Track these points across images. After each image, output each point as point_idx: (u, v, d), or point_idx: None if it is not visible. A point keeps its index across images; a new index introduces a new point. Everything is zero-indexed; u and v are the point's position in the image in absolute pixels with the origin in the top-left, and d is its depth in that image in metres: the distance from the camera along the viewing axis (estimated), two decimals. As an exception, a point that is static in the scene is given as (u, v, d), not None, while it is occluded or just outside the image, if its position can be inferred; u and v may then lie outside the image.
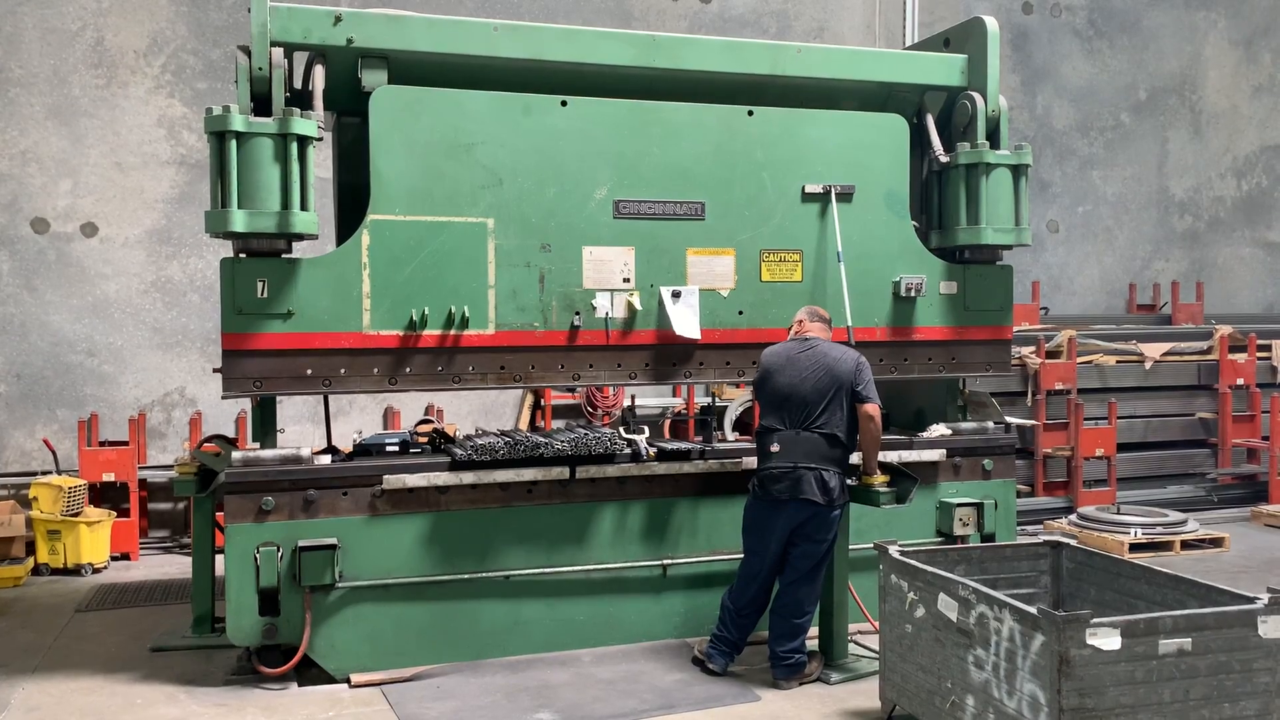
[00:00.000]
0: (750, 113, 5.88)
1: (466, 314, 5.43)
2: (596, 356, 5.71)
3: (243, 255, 5.24)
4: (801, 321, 5.46)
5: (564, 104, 5.60)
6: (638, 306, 5.71)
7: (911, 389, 6.56)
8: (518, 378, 5.61)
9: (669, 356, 5.82)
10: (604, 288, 5.68)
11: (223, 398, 5.29)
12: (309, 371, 5.26)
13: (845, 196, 6.02)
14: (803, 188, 5.97)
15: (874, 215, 6.08)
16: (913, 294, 6.08)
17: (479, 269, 5.49)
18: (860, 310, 5.98)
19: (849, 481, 5.28)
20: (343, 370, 5.31)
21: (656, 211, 5.75)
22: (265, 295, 5.16)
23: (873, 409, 5.14)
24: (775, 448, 5.18)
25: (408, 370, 5.41)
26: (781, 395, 5.22)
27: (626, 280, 5.72)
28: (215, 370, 5.39)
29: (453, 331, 5.44)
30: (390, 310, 5.35)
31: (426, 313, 5.38)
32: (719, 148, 5.83)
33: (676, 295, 5.73)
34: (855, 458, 5.32)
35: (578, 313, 5.63)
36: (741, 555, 5.41)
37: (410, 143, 5.37)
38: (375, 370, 5.37)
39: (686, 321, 5.71)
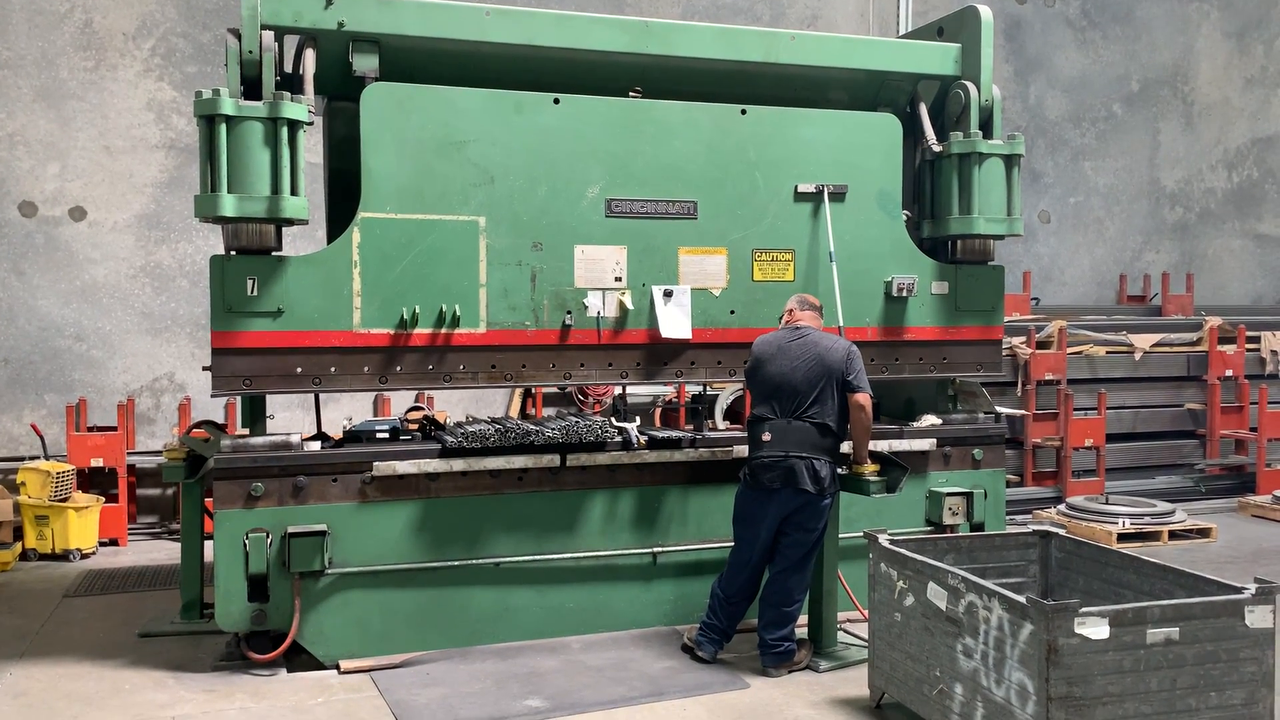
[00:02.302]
0: (743, 111, 5.86)
1: (458, 312, 5.41)
2: (588, 355, 5.69)
3: (233, 252, 5.20)
4: (792, 310, 5.46)
5: (556, 102, 5.56)
6: (629, 306, 5.69)
7: (903, 380, 6.56)
8: (509, 376, 5.58)
9: (660, 356, 5.81)
10: (596, 287, 5.66)
11: (212, 396, 5.26)
12: (299, 370, 5.24)
13: (838, 196, 6.00)
14: (795, 187, 5.95)
15: (866, 215, 6.07)
16: (904, 294, 6.08)
17: (470, 267, 5.46)
18: (852, 310, 5.97)
19: (839, 470, 5.29)
20: (333, 369, 5.29)
21: (649, 210, 5.73)
22: (255, 293, 5.13)
23: (863, 398, 5.14)
24: (767, 436, 5.18)
25: (398, 369, 5.39)
26: (773, 384, 5.22)
27: (618, 279, 5.70)
28: (205, 369, 5.37)
29: (444, 330, 5.42)
30: (381, 308, 5.32)
31: (417, 311, 5.35)
32: (711, 147, 5.81)
33: (668, 294, 5.72)
34: (846, 446, 5.33)
35: (569, 312, 5.61)
36: (731, 543, 5.42)
37: (401, 140, 5.33)
38: (366, 369, 5.34)
39: (675, 322, 5.70)
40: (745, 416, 5.55)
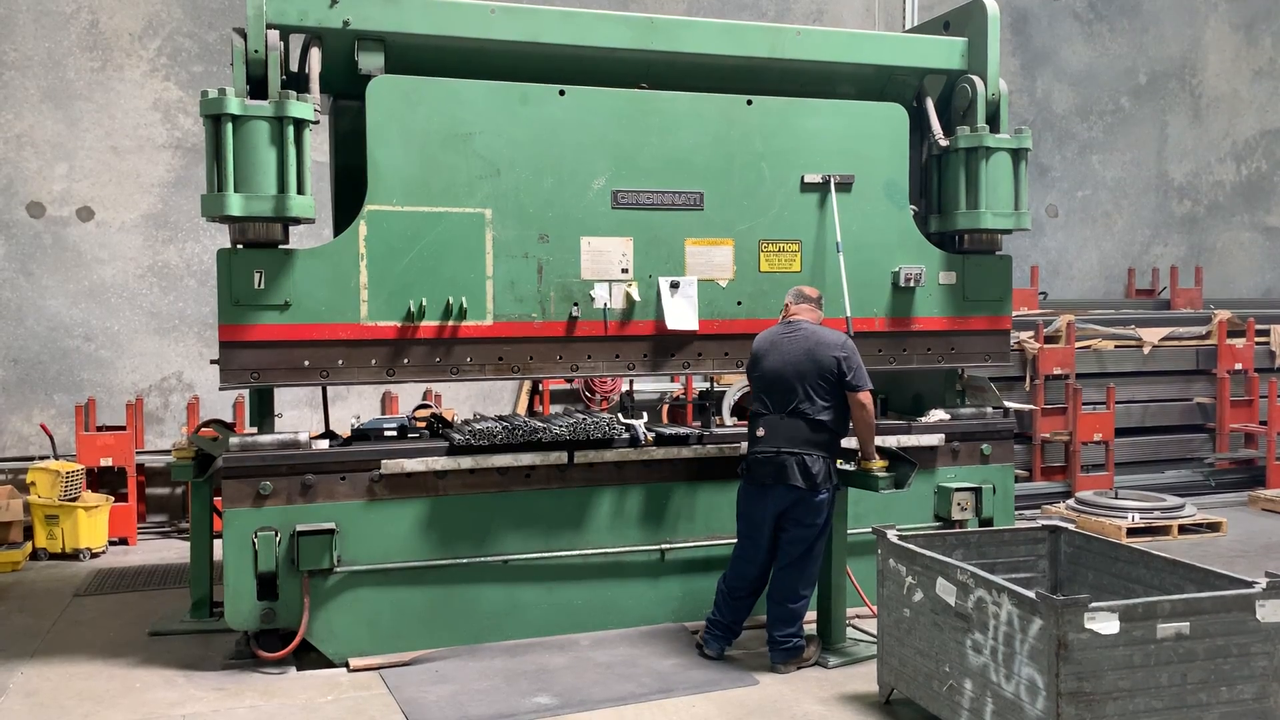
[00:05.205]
0: (749, 102, 5.85)
1: (464, 305, 5.41)
2: (595, 347, 5.69)
3: (240, 246, 5.21)
4: (788, 305, 5.45)
5: (562, 93, 5.56)
6: (636, 297, 5.69)
7: (910, 374, 6.55)
8: (516, 369, 5.59)
9: (667, 347, 5.80)
10: (602, 278, 5.66)
11: (220, 389, 5.27)
12: (306, 363, 5.25)
13: (844, 186, 6.00)
14: (802, 178, 5.94)
15: (873, 205, 6.06)
16: (912, 284, 6.06)
17: (477, 260, 5.47)
18: (859, 300, 5.97)
19: (848, 467, 5.28)
20: (340, 361, 5.30)
21: (655, 202, 5.73)
22: (262, 286, 5.14)
23: (864, 396, 5.12)
24: (761, 432, 5.19)
25: (405, 361, 5.40)
26: (767, 380, 5.23)
27: (625, 271, 5.70)
28: (213, 362, 5.38)
29: (451, 322, 5.43)
30: (388, 301, 5.33)
31: (424, 304, 5.36)
32: (718, 137, 5.80)
33: (675, 286, 5.72)
34: (851, 442, 5.31)
35: (576, 303, 5.61)
36: (739, 540, 5.41)
37: (407, 133, 5.34)
38: (373, 361, 5.35)
39: (682, 314, 5.70)
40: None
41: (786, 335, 5.25)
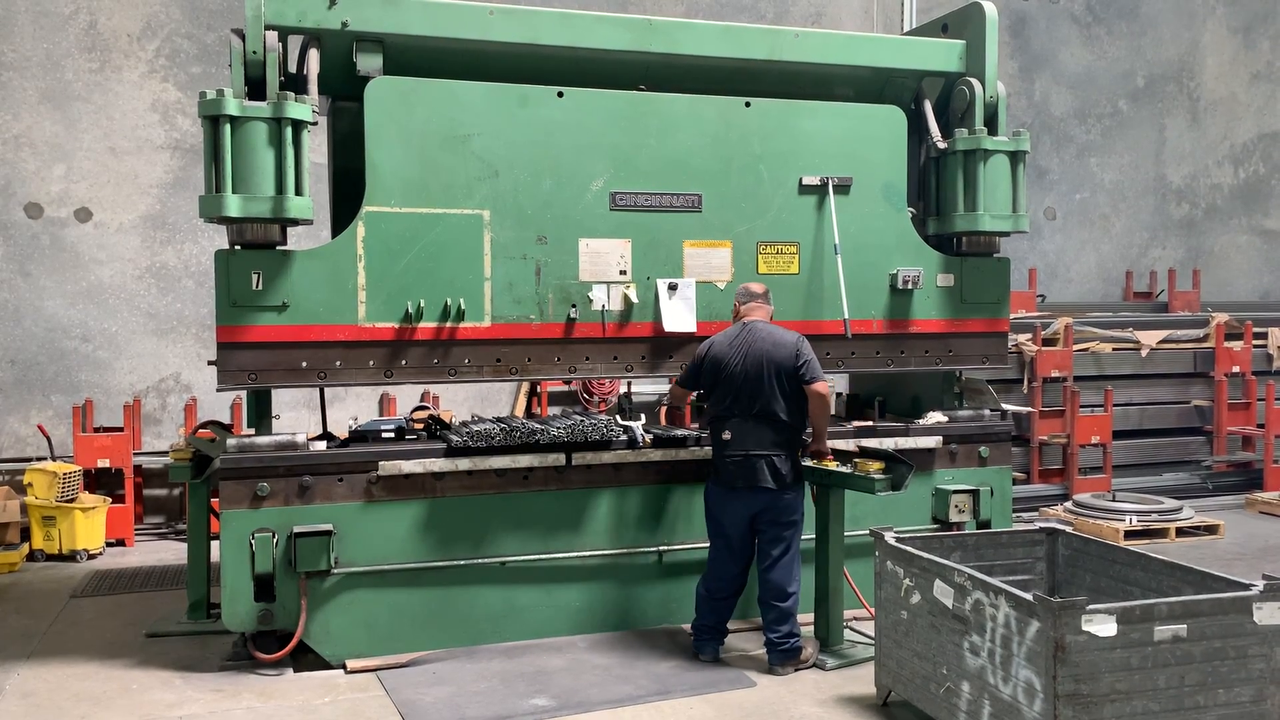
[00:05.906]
0: (748, 104, 5.86)
1: (462, 306, 5.42)
2: (593, 349, 5.70)
3: (238, 247, 5.21)
4: (738, 307, 5.47)
5: (560, 95, 5.57)
6: (634, 299, 5.69)
7: (908, 376, 6.56)
8: (514, 370, 5.59)
9: (665, 349, 5.81)
10: (600, 280, 5.66)
11: (218, 390, 5.27)
12: (304, 364, 5.25)
13: (842, 189, 6.00)
14: (800, 180, 5.95)
15: (871, 208, 6.07)
16: (910, 286, 6.07)
17: (475, 261, 5.47)
18: (857, 303, 5.97)
19: (844, 469, 5.28)
20: (338, 363, 5.30)
21: (653, 203, 5.74)
22: (260, 287, 5.14)
23: (821, 386, 5.16)
24: (727, 435, 5.22)
25: (403, 362, 5.40)
26: (726, 383, 5.25)
27: (623, 272, 5.70)
28: (210, 363, 5.38)
29: (448, 324, 5.43)
30: (386, 302, 5.33)
31: (422, 305, 5.36)
32: (716, 139, 5.81)
33: (673, 288, 5.73)
34: (847, 444, 5.32)
35: (574, 305, 5.61)
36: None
37: (406, 134, 5.34)
38: (371, 363, 5.35)
39: (679, 316, 5.71)
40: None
41: (744, 337, 5.27)
